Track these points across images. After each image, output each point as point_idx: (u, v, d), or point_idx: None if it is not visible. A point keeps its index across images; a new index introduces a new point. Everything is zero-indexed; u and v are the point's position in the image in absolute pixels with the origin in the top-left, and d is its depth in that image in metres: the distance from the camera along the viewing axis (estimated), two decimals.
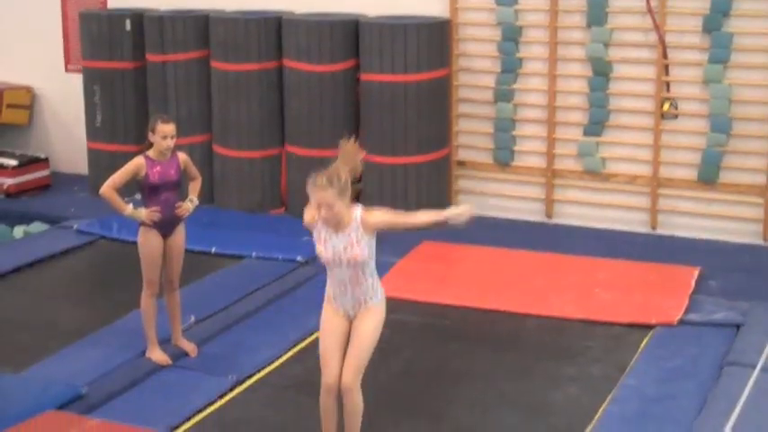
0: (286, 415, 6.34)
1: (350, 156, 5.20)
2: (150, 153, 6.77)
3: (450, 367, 7.00)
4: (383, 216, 5.19)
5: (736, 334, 7.21)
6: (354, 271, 5.04)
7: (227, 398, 6.53)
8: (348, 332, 5.29)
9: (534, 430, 6.13)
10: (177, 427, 6.13)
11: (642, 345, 7.18)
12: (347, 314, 5.21)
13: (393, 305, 7.78)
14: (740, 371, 6.43)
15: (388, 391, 6.60)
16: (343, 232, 5.05)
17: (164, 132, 6.70)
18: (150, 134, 6.76)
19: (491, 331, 7.53)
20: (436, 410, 6.38)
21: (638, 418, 6.14)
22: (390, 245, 9.16)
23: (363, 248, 5.05)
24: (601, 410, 6.26)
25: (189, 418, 6.23)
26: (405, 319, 7.63)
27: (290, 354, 7.13)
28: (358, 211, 5.15)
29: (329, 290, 5.28)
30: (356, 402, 5.30)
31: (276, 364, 7.01)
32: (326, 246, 5.07)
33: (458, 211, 5.24)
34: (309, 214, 5.24)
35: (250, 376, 6.80)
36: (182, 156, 6.92)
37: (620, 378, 6.67)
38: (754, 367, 6.36)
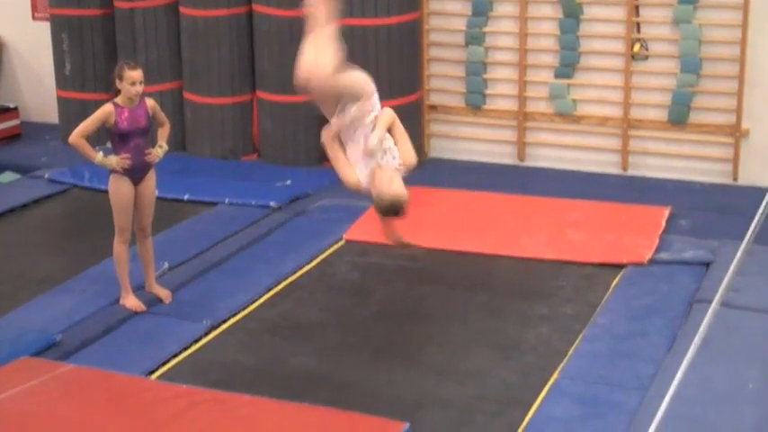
0: (261, 357, 6.40)
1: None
2: (118, 100, 6.74)
3: (424, 308, 7.07)
4: None
5: (706, 271, 7.31)
6: None
7: (202, 342, 6.58)
8: None
9: (507, 369, 6.20)
10: (152, 372, 6.18)
11: (613, 284, 7.26)
12: None
13: (366, 249, 7.93)
14: (709, 307, 6.48)
15: (362, 331, 6.67)
16: None
17: (131, 78, 6.67)
18: (118, 81, 6.72)
19: (464, 273, 7.58)
20: (410, 350, 6.46)
21: (608, 354, 6.23)
22: None
23: None
24: (572, 348, 6.34)
25: (164, 363, 6.28)
26: (378, 262, 7.68)
27: (264, 298, 7.18)
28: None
29: None
30: None
31: (250, 308, 7.05)
32: None
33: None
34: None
35: (224, 321, 6.85)
36: (150, 102, 6.89)
37: (591, 317, 6.76)
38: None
